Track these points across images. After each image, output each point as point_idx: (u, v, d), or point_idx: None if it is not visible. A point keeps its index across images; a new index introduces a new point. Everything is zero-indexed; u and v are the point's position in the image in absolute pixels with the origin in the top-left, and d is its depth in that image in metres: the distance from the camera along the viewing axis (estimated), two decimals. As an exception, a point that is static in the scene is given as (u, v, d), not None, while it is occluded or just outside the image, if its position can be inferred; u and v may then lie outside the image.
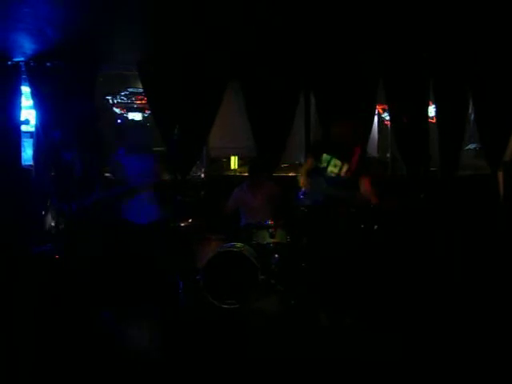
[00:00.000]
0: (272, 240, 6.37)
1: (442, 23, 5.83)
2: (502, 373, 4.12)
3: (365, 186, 5.73)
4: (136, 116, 10.06)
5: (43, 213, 5.69)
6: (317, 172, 5.85)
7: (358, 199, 5.74)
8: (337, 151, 5.81)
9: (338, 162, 5.79)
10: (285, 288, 6.08)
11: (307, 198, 5.85)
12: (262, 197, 6.86)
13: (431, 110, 8.23)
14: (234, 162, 9.68)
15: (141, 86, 7.69)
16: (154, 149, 9.58)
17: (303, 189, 5.86)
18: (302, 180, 5.89)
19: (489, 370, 4.17)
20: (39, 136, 6.92)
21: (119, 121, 10.01)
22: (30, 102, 6.99)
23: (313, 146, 6.48)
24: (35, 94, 6.84)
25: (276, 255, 6.30)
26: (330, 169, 5.79)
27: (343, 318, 5.33)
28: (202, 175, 8.30)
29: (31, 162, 7.15)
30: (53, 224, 5.62)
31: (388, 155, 9.42)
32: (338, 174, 5.77)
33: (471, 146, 9.39)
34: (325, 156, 5.82)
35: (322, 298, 5.63)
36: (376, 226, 6.69)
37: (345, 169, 5.77)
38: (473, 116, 8.14)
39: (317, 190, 5.80)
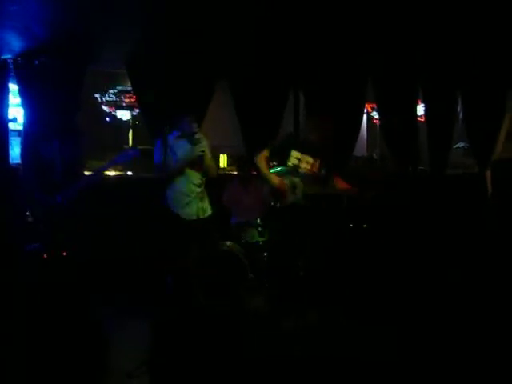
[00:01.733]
0: (261, 238, 6.38)
1: (431, 23, 5.85)
2: (498, 372, 4.14)
3: (339, 183, 5.79)
4: (125, 114, 10.04)
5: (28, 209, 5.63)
6: (288, 171, 5.75)
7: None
8: (308, 148, 5.76)
9: (310, 159, 5.73)
10: (274, 286, 6.08)
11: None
12: (254, 194, 6.86)
13: (420, 109, 8.26)
14: (222, 161, 9.68)
15: (129, 84, 7.67)
16: (142, 147, 9.61)
17: (282, 189, 5.66)
18: (275, 180, 5.66)
19: (485, 369, 4.20)
20: (27, 134, 6.87)
21: (108, 119, 9.99)
22: (18, 100, 6.94)
23: (281, 144, 6.34)
24: (23, 92, 6.80)
25: (265, 253, 6.31)
26: (303, 165, 5.72)
27: (335, 317, 5.35)
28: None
29: (19, 161, 7.10)
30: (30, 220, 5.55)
31: (375, 154, 9.47)
32: (312, 171, 5.72)
33: (460, 145, 9.44)
34: (294, 153, 5.72)
35: (313, 297, 5.65)
36: (365, 225, 6.73)
37: (318, 164, 5.73)
38: (461, 115, 8.18)
39: (293, 189, 5.71)
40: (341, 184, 5.81)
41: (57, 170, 5.78)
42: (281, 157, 5.79)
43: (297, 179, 5.67)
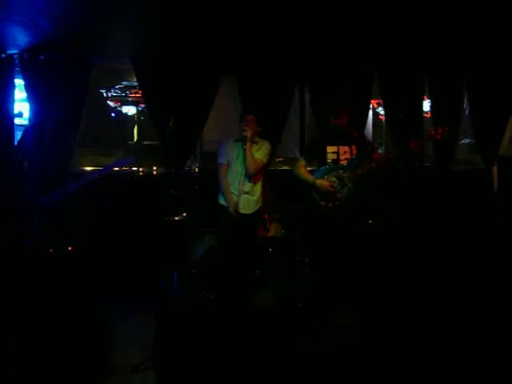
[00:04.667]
0: (266, 234, 6.37)
1: (437, 18, 5.83)
2: (501, 373, 4.14)
3: (378, 157, 5.83)
4: (130, 109, 10.02)
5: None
6: (330, 168, 5.71)
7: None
8: (340, 138, 5.76)
9: (346, 148, 5.74)
10: (278, 282, 6.08)
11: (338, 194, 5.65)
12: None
13: (426, 105, 8.23)
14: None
15: (135, 79, 7.66)
16: (148, 142, 9.61)
17: (330, 188, 5.61)
18: (322, 182, 5.64)
19: (488, 369, 4.19)
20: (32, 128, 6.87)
21: (113, 114, 9.98)
22: (24, 95, 6.95)
23: (310, 145, 6.38)
24: (28, 87, 6.80)
25: (270, 249, 6.31)
26: (343, 157, 5.72)
27: (344, 316, 5.33)
28: (196, 169, 8.28)
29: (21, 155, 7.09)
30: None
31: (381, 150, 9.43)
32: (351, 158, 5.72)
33: (466, 141, 9.40)
34: (330, 148, 5.75)
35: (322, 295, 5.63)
36: (370, 221, 6.70)
37: (354, 151, 5.73)
38: (467, 111, 8.14)
39: (342, 183, 5.66)
40: (380, 157, 5.85)
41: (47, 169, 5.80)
42: (318, 158, 5.82)
43: (341, 171, 5.67)
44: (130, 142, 10.14)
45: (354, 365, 4.27)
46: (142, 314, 5.50)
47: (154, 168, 8.20)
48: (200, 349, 4.50)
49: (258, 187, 5.98)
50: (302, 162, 5.91)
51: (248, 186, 5.86)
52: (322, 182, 5.64)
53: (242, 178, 5.80)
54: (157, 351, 4.53)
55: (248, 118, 5.80)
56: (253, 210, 5.92)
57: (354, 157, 5.70)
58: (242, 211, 5.75)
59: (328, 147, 5.74)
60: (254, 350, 4.54)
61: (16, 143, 6.77)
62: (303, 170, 5.86)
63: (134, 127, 10.26)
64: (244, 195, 5.81)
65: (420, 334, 4.89)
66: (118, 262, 6.68)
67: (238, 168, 5.84)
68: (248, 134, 5.73)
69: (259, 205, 5.98)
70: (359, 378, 4.12)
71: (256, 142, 5.91)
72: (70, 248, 5.70)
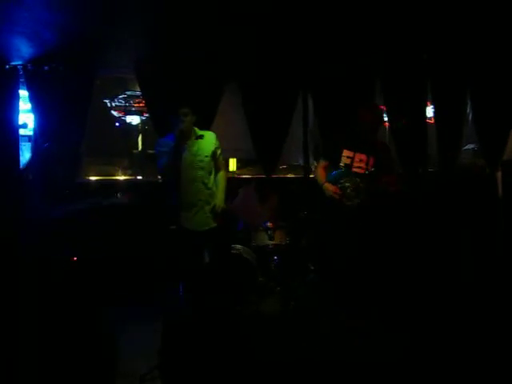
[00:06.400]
0: (271, 242, 6.37)
1: (440, 23, 5.84)
2: (507, 373, 4.13)
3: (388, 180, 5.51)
4: (134, 119, 10.05)
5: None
6: (346, 173, 5.54)
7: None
8: (360, 145, 5.58)
9: (363, 156, 5.56)
10: (284, 290, 6.08)
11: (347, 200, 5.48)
12: (268, 199, 6.83)
13: (429, 111, 8.23)
14: (232, 165, 9.68)
15: (138, 88, 7.68)
16: (152, 151, 9.62)
17: (338, 195, 5.44)
18: (329, 188, 5.47)
19: (493, 369, 4.18)
20: (36, 140, 6.90)
21: (117, 124, 10.00)
22: (28, 106, 6.97)
23: (328, 145, 6.18)
24: (33, 98, 6.83)
25: (275, 257, 6.31)
26: (357, 164, 5.55)
27: (345, 320, 5.32)
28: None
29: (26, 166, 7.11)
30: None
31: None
32: (366, 169, 5.53)
33: (469, 146, 9.39)
34: (346, 152, 5.56)
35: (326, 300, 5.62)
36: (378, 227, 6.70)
37: (372, 162, 5.53)
38: (471, 116, 8.14)
39: (358, 192, 5.47)
40: (387, 179, 5.50)
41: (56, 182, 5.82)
42: (332, 159, 5.62)
43: (358, 179, 5.49)
44: (135, 151, 10.17)
45: (361, 368, 4.26)
46: (149, 324, 5.49)
47: (159, 177, 8.21)
48: (207, 358, 4.49)
49: (212, 195, 5.27)
50: (322, 163, 5.75)
51: (198, 194, 5.23)
52: (329, 187, 5.50)
53: (190, 185, 5.19)
54: (164, 360, 4.53)
55: (180, 112, 5.18)
56: (210, 226, 5.26)
57: (372, 169, 5.52)
58: (195, 228, 5.24)
59: (344, 150, 5.57)
60: (261, 357, 4.54)
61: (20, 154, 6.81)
62: (320, 170, 5.70)
63: (138, 136, 10.29)
64: (196, 208, 5.21)
65: (427, 336, 4.88)
66: (123, 272, 6.68)
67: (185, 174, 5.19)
68: (185, 128, 5.13)
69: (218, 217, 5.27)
70: (367, 382, 4.12)
71: (201, 137, 5.30)
72: (74, 258, 5.71)
